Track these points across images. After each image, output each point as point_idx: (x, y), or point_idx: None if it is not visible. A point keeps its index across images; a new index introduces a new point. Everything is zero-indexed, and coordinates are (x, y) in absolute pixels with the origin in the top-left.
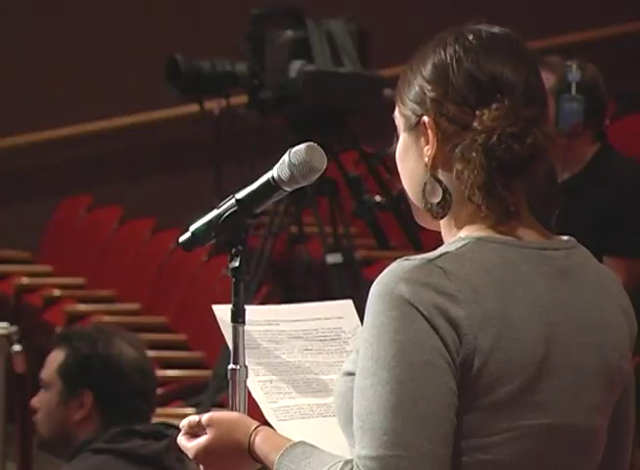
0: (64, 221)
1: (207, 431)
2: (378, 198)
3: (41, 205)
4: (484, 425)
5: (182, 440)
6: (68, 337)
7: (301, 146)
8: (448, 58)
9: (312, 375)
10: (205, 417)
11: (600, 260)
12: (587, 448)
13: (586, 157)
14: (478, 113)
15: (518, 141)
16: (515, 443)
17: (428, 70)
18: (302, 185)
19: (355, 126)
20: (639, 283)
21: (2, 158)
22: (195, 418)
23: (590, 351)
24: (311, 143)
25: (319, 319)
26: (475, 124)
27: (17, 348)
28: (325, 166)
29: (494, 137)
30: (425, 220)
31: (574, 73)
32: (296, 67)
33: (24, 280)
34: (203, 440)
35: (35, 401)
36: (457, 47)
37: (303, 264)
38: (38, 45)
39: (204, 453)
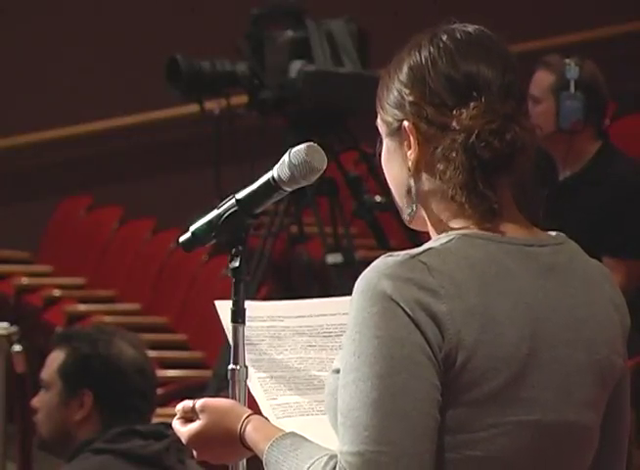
0: (64, 221)
1: (200, 417)
2: (378, 198)
3: (41, 205)
4: (470, 421)
5: (176, 423)
6: (69, 337)
7: (301, 146)
8: (423, 59)
9: (315, 372)
10: (198, 403)
11: (599, 260)
12: (578, 444)
13: (588, 155)
14: (456, 112)
15: (497, 137)
16: (503, 439)
17: (404, 73)
18: (302, 185)
19: (355, 126)
20: (639, 284)
21: (2, 158)
22: (189, 403)
23: (579, 346)
24: (311, 143)
25: (324, 315)
26: (453, 124)
27: (17, 348)
28: (325, 167)
29: (473, 135)
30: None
31: (573, 71)
32: (296, 67)
33: (24, 280)
34: (195, 425)
35: (35, 402)
36: (432, 49)
37: (304, 264)
38: (38, 45)
39: (196, 439)
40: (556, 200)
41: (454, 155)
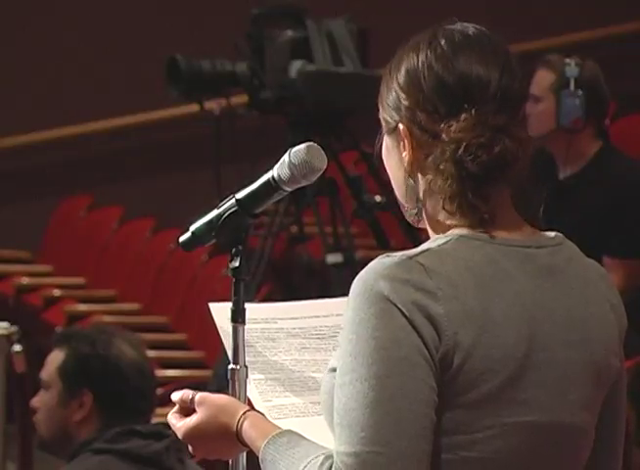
0: (64, 221)
1: (198, 410)
2: (378, 198)
3: (41, 205)
4: (467, 422)
5: (172, 418)
6: (68, 337)
7: (301, 146)
8: (420, 64)
9: (309, 373)
10: (198, 396)
11: (599, 259)
12: (574, 446)
13: (588, 154)
14: (446, 124)
15: (485, 151)
16: (499, 440)
17: (402, 75)
18: (303, 185)
19: (355, 126)
20: (638, 284)
21: (2, 157)
22: (189, 393)
23: (575, 347)
24: (311, 143)
25: (317, 317)
26: (443, 136)
27: (17, 348)
28: (325, 166)
29: (462, 148)
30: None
31: (573, 70)
32: (296, 67)
33: (24, 280)
34: (191, 420)
35: (35, 401)
36: (429, 52)
37: (304, 264)
38: (38, 45)
39: (191, 433)
40: (556, 199)
41: (444, 165)
